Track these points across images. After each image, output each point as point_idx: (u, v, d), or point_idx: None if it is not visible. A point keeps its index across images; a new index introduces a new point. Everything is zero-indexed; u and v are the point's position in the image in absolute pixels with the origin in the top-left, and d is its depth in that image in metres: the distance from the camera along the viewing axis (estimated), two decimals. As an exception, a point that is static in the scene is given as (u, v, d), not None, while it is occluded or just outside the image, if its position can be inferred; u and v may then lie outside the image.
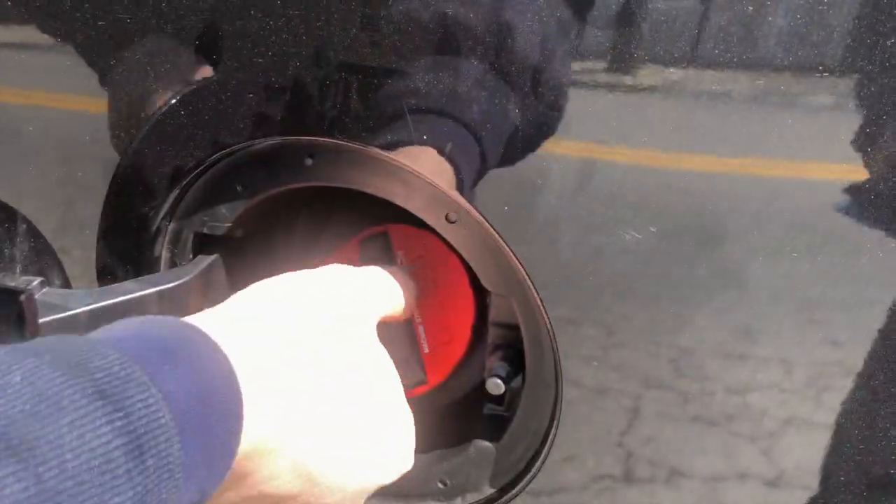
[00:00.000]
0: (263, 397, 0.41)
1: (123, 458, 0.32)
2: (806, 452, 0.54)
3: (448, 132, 0.49)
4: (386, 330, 0.54)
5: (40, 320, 0.50)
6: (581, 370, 0.55)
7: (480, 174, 0.51)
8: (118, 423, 0.32)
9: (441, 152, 0.50)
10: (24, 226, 0.54)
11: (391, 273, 0.58)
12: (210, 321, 0.43)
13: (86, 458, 0.30)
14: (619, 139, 0.48)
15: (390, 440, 0.49)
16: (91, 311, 0.54)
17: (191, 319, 0.43)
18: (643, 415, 0.55)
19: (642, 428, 0.56)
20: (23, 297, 0.48)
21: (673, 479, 0.57)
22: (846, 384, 0.51)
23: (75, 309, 0.54)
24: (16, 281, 0.50)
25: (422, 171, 0.52)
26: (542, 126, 0.48)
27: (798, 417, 0.53)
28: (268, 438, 0.41)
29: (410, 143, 0.51)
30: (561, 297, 0.52)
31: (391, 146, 0.51)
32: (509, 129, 0.49)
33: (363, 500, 0.49)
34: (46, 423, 0.30)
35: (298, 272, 0.53)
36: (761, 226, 0.49)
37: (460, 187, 0.51)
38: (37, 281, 0.50)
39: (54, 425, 0.30)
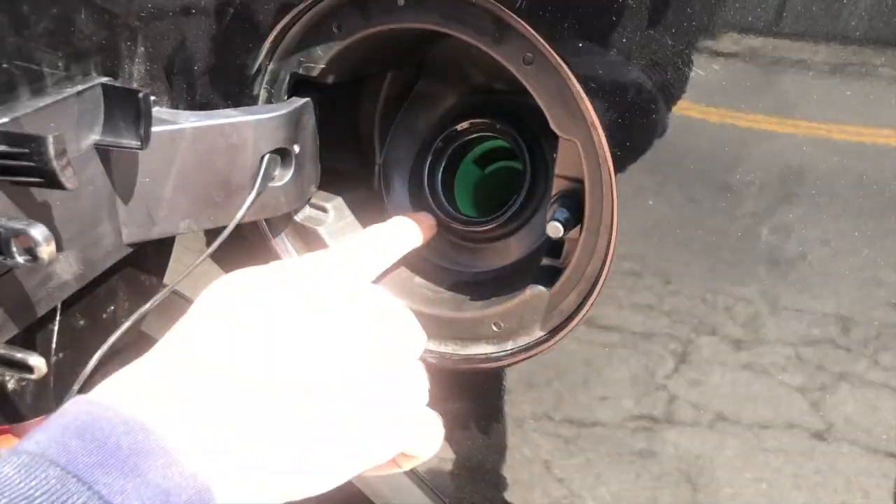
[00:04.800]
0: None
1: None
2: (858, 409, 0.55)
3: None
4: None
5: (152, 129, 0.56)
6: (623, 316, 0.58)
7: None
8: None
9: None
10: (143, 48, 0.60)
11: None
12: (161, 406, 0.39)
13: None
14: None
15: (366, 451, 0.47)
16: (196, 127, 0.60)
17: (143, 403, 0.39)
18: (692, 359, 0.58)
19: (689, 372, 0.58)
20: (141, 95, 0.53)
21: (717, 424, 0.59)
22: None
23: (182, 124, 0.60)
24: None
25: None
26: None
27: (852, 374, 0.54)
28: None
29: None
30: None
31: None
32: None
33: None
34: None
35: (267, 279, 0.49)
36: (830, 184, 0.50)
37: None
38: (149, 91, 0.56)
39: None
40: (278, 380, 0.42)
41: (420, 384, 0.51)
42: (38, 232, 0.45)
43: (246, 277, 0.49)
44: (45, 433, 0.36)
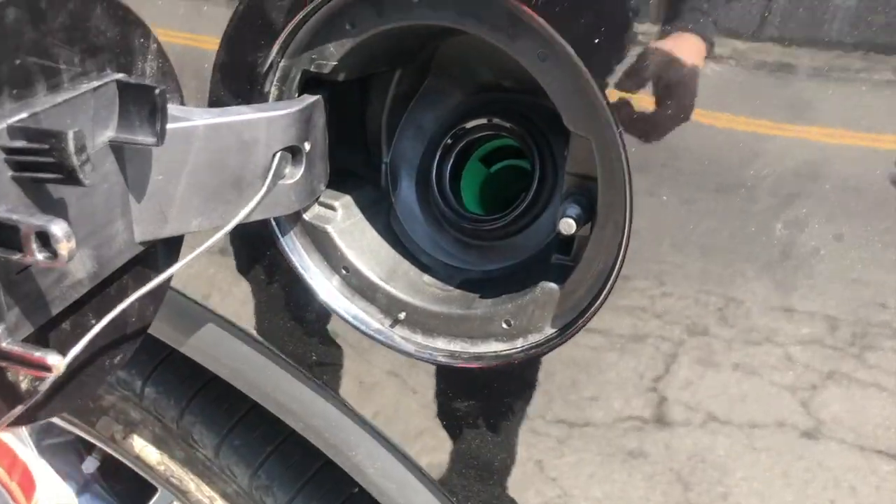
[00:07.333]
0: None
1: None
2: (845, 407, 0.56)
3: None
4: None
5: (167, 126, 0.56)
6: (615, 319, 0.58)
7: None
8: None
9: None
10: (156, 45, 0.60)
11: None
12: None
13: None
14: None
15: None
16: (209, 125, 0.60)
17: None
18: (682, 361, 0.59)
19: (681, 373, 0.59)
20: (157, 91, 0.53)
21: (708, 424, 0.60)
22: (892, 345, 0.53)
23: (196, 121, 0.60)
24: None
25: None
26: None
27: (839, 372, 0.55)
28: None
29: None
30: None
31: None
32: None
33: None
34: None
35: None
36: (816, 187, 0.51)
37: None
38: (165, 87, 0.56)
39: None
40: None
41: None
42: (59, 228, 0.44)
43: None
44: None
